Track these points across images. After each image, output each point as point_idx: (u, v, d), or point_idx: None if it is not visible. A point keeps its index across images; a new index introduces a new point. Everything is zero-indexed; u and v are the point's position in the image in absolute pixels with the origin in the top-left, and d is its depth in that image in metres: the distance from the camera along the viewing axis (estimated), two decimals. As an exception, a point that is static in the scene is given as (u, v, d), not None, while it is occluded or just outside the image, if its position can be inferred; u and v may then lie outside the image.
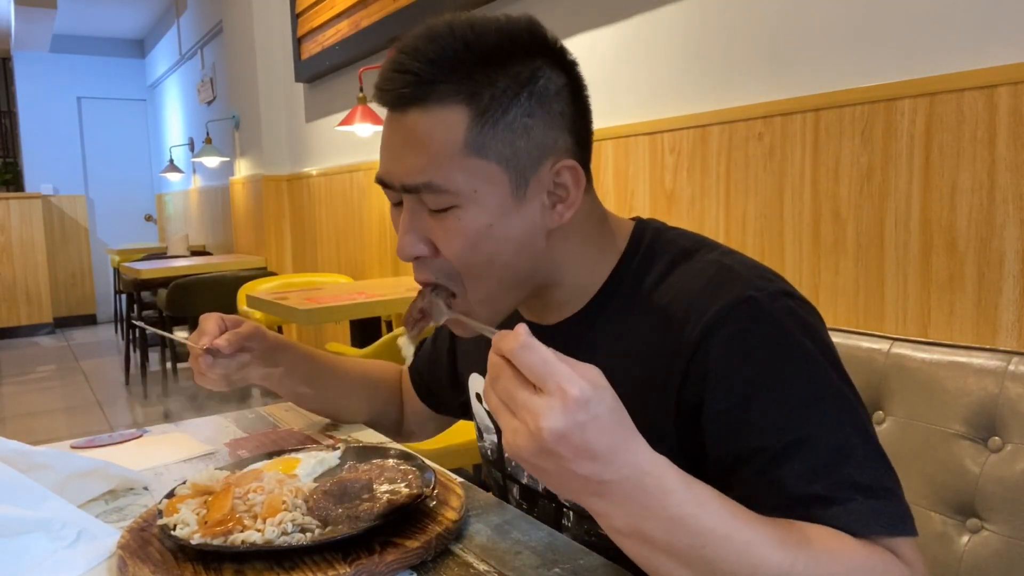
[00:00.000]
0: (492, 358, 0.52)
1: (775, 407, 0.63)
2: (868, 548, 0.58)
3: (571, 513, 0.81)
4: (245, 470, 0.81)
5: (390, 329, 2.94)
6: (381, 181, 0.72)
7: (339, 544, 0.67)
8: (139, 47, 8.47)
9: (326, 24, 3.69)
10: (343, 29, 3.52)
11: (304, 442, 1.01)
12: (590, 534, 0.78)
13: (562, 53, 0.72)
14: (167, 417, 4.17)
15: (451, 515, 0.73)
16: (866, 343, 1.00)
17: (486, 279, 0.72)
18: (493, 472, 0.94)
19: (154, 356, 5.40)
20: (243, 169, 4.95)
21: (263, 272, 4.27)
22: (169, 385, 4.83)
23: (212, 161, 5.21)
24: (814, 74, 1.54)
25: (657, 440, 0.55)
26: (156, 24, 7.70)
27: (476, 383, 0.95)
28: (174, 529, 0.69)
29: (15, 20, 6.65)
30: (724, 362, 0.66)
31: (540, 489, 0.85)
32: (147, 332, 5.28)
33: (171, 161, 6.42)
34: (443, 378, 1.05)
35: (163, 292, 4.37)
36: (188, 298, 4.08)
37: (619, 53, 2.04)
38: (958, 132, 1.29)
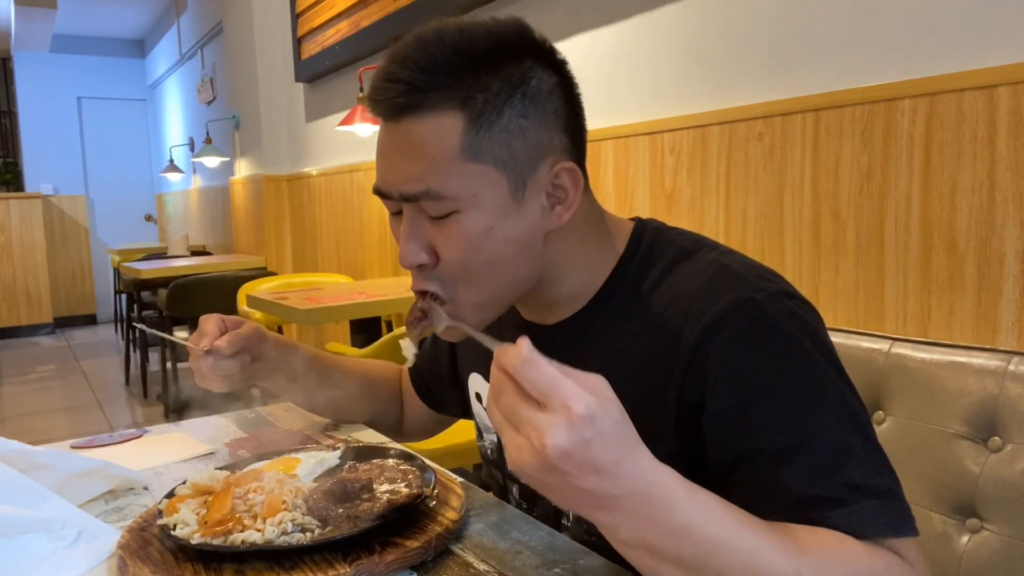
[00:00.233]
0: (494, 373, 0.51)
1: (775, 408, 0.63)
2: (871, 549, 0.58)
3: (571, 513, 0.81)
4: (245, 470, 0.81)
5: (390, 329, 2.94)
6: (379, 192, 0.72)
7: (339, 544, 0.67)
8: (139, 47, 8.47)
9: (326, 24, 3.69)
10: (343, 29, 3.52)
11: (304, 442, 1.01)
12: (590, 534, 0.78)
13: (552, 52, 0.72)
14: (173, 415, 4.17)
15: (451, 515, 0.73)
16: (866, 343, 1.00)
17: (484, 282, 0.71)
18: (493, 472, 0.94)
19: (154, 356, 5.39)
20: (243, 169, 4.95)
21: (263, 272, 4.26)
22: (169, 385, 4.83)
23: (212, 161, 5.21)
24: (814, 74, 1.54)
25: (657, 442, 0.55)
26: (156, 24, 7.70)
27: (476, 382, 0.95)
28: (174, 529, 0.69)
29: (15, 20, 6.65)
30: (724, 363, 0.66)
31: (540, 489, 0.85)
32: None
33: (171, 161, 6.41)
34: (443, 377, 1.05)
35: (163, 292, 4.36)
36: (188, 298, 4.08)
37: (619, 53, 2.04)
38: (958, 132, 1.29)
